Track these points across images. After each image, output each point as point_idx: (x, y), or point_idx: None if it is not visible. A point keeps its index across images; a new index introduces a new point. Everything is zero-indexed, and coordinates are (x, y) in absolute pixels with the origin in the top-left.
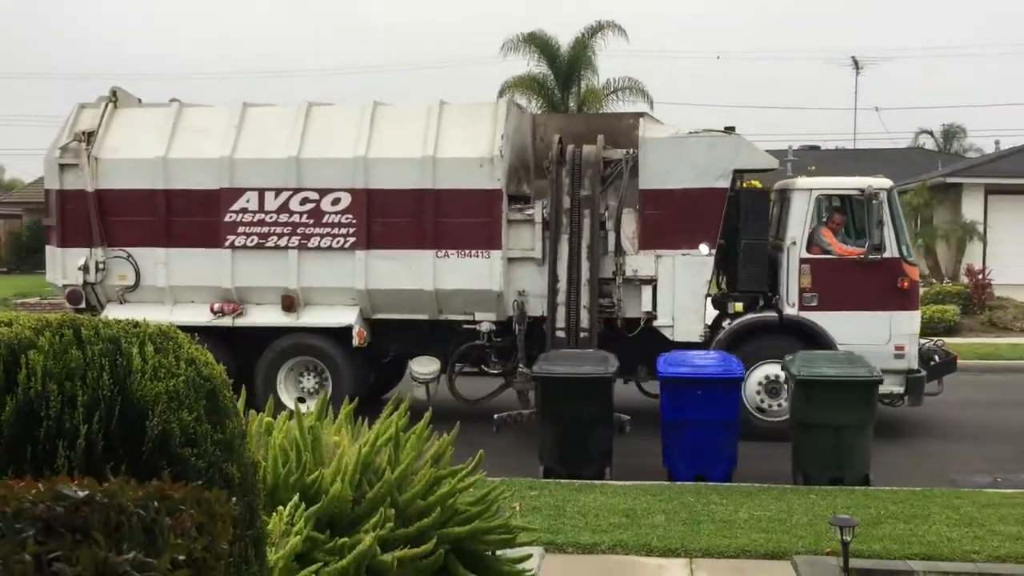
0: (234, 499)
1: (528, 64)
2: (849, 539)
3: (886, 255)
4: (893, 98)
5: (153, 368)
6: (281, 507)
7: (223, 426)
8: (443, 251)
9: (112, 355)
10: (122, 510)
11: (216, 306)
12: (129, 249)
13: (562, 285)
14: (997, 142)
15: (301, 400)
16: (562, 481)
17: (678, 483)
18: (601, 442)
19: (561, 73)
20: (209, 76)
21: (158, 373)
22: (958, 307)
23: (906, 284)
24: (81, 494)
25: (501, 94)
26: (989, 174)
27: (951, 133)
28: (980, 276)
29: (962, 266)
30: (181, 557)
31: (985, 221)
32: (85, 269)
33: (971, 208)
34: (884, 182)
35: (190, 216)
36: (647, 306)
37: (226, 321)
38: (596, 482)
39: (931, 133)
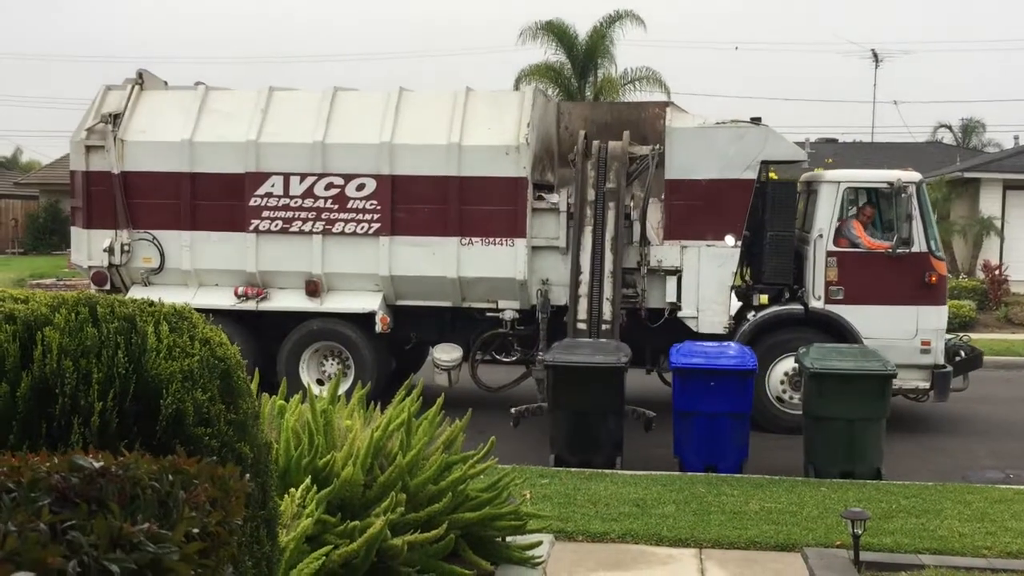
0: (248, 475)
1: (545, 53)
2: (860, 532)
3: (914, 249)
4: (912, 91)
5: (168, 347)
6: (293, 489)
7: (236, 406)
8: (467, 238)
9: (127, 333)
10: (137, 482)
11: (240, 290)
12: (154, 232)
13: (584, 277)
14: (1016, 137)
15: (321, 384)
16: (573, 470)
17: (689, 473)
18: (612, 431)
19: (578, 62)
20: (232, 61)
21: (173, 352)
22: (974, 303)
23: (934, 279)
24: (97, 465)
25: (518, 82)
26: (1008, 169)
27: (970, 128)
28: (997, 272)
29: (979, 261)
30: (195, 530)
31: (1003, 217)
32: (110, 251)
33: (989, 203)
34: (913, 175)
35: (215, 200)
36: (671, 297)
37: (250, 305)
38: (607, 471)
39: (950, 127)
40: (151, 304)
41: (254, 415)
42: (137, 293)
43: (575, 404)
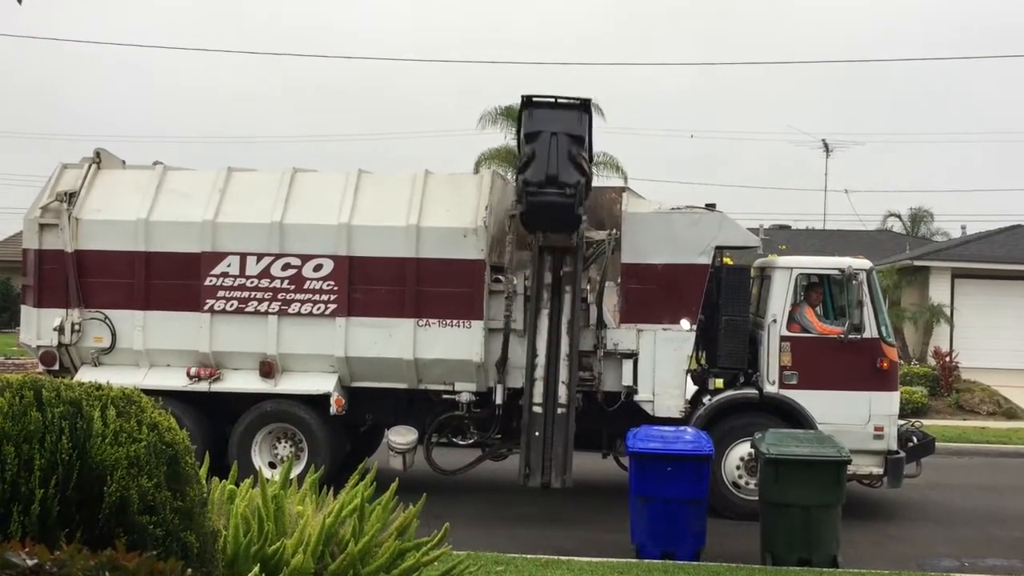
0: (190, 570)
1: (505, 137)
2: None
3: (865, 335)
4: (862, 180)
5: (114, 432)
6: None
7: (184, 493)
8: (424, 320)
9: (73, 418)
10: None
11: (193, 370)
12: (106, 311)
13: (540, 359)
14: (963, 227)
15: (274, 467)
16: (528, 556)
17: (646, 561)
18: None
19: None
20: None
21: (119, 438)
22: (926, 389)
23: (885, 365)
24: (30, 563)
25: (477, 165)
26: (956, 258)
27: (919, 217)
28: (947, 358)
29: (929, 348)
30: None
31: (952, 304)
32: (60, 330)
33: (938, 291)
34: (864, 263)
35: (170, 279)
36: (628, 380)
37: (202, 386)
38: (563, 558)
39: (899, 216)
40: (98, 388)
41: (201, 502)
42: (87, 373)
43: None
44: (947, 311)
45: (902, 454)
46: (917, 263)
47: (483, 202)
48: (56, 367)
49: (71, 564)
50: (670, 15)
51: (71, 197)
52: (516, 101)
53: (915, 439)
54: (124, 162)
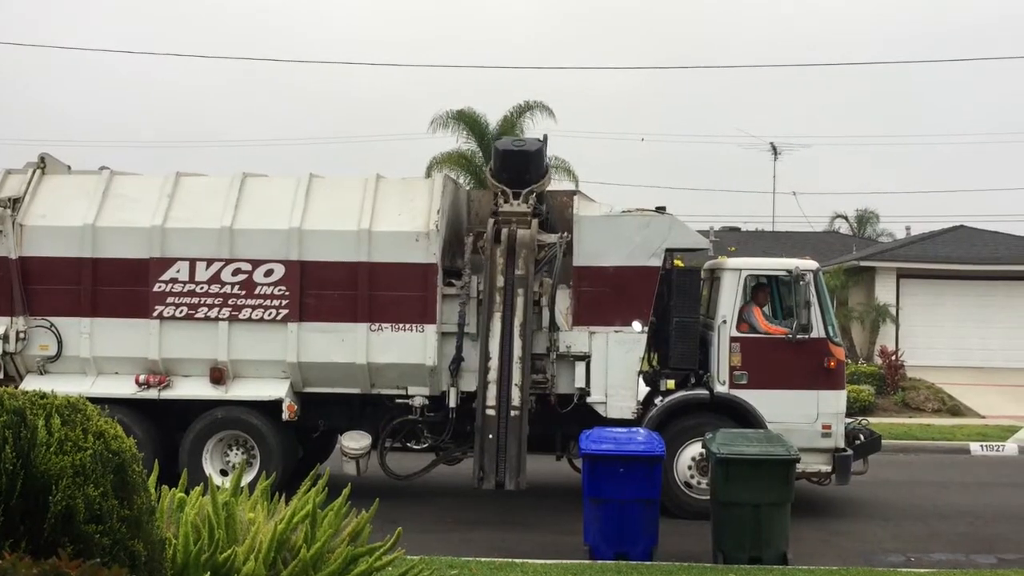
0: None
1: (457, 140)
2: None
3: (813, 335)
4: (810, 183)
5: (59, 441)
6: None
7: (131, 502)
8: (377, 324)
9: (16, 427)
10: None
11: (141, 378)
12: (52, 318)
13: (494, 363)
14: (908, 228)
15: (225, 474)
16: (483, 559)
17: (599, 562)
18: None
19: (489, 150)
20: (140, 145)
21: (64, 446)
22: (872, 387)
23: (832, 364)
24: None
25: (429, 169)
26: (901, 258)
27: (865, 218)
28: (893, 357)
29: (876, 347)
30: None
31: (897, 303)
32: (5, 338)
33: (884, 291)
34: (811, 263)
35: (117, 285)
36: (580, 382)
37: (151, 393)
38: (517, 560)
39: (846, 217)
40: (43, 396)
41: (149, 510)
42: (32, 382)
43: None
44: (892, 310)
45: (850, 452)
46: (863, 264)
47: (435, 206)
48: (1, 376)
49: (13, 572)
50: (617, 16)
51: (15, 203)
52: (467, 105)
53: (862, 437)
54: (70, 167)
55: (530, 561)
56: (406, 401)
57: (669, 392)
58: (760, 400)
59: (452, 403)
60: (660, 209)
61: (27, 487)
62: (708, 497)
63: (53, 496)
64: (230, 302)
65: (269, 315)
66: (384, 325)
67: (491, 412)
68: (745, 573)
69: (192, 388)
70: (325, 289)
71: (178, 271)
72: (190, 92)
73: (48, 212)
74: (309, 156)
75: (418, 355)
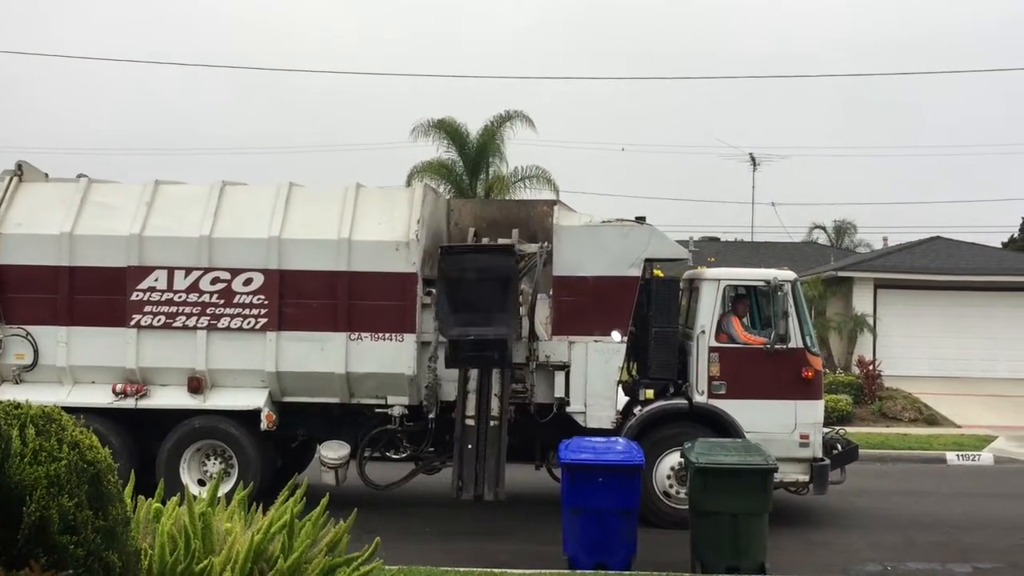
0: None
1: (437, 150)
2: None
3: (791, 345)
4: (789, 193)
5: (33, 452)
6: None
7: (106, 512)
8: (356, 334)
9: None
10: None
11: (119, 387)
12: (28, 327)
13: (473, 372)
14: (885, 239)
15: (203, 484)
16: (461, 569)
17: (578, 571)
18: None
19: (470, 160)
20: (119, 151)
21: (39, 457)
22: (850, 397)
23: (810, 374)
24: None
25: (410, 178)
26: (878, 269)
27: (843, 229)
28: (871, 367)
29: (854, 357)
30: None
31: (875, 314)
32: None
33: (861, 301)
34: (788, 274)
35: (94, 294)
36: (560, 392)
37: (128, 403)
38: (496, 570)
39: (824, 228)
40: (17, 406)
41: (124, 521)
42: (7, 391)
43: None
44: (870, 320)
45: (827, 461)
46: (841, 274)
47: (415, 215)
48: None
49: None
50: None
51: None
52: (448, 115)
53: (840, 446)
54: (47, 175)
55: (509, 571)
56: (385, 411)
57: (648, 402)
58: (738, 410)
59: (431, 413)
60: (640, 219)
61: (1, 498)
62: (687, 506)
63: (27, 507)
64: (208, 311)
65: (248, 324)
66: (363, 334)
67: (470, 422)
68: None
69: (170, 397)
70: (304, 298)
71: (156, 280)
72: (169, 100)
73: (25, 220)
74: (289, 164)
75: (398, 364)
